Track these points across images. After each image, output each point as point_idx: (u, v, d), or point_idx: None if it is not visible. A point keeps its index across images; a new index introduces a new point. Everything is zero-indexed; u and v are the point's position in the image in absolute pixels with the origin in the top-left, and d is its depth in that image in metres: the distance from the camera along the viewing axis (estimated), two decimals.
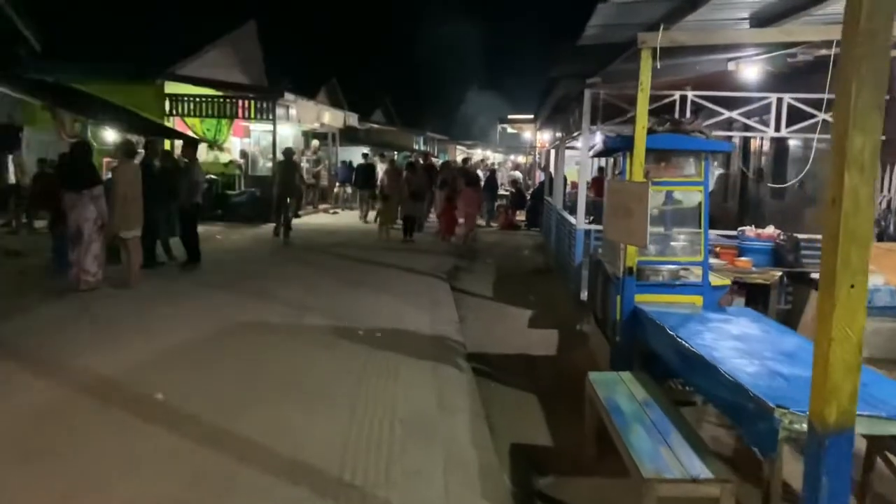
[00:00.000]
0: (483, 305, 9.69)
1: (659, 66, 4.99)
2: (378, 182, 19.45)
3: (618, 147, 5.62)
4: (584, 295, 9.39)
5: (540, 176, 25.01)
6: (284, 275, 10.51)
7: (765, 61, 7.92)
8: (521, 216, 21.39)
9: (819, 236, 8.97)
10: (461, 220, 15.93)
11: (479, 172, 24.26)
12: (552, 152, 17.22)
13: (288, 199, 14.91)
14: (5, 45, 15.98)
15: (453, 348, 6.96)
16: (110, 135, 15.54)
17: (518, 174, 26.61)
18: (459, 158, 31.95)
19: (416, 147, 35.38)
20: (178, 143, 18.74)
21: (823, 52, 7.63)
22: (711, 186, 5.71)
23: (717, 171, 6.15)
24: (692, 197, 6.05)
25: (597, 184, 19.98)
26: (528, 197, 21.87)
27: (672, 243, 5.99)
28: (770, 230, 8.52)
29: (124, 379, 5.50)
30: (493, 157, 44.01)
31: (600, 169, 20.57)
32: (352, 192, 22.49)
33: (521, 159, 42.67)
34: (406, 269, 11.38)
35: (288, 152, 15.72)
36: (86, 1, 22.36)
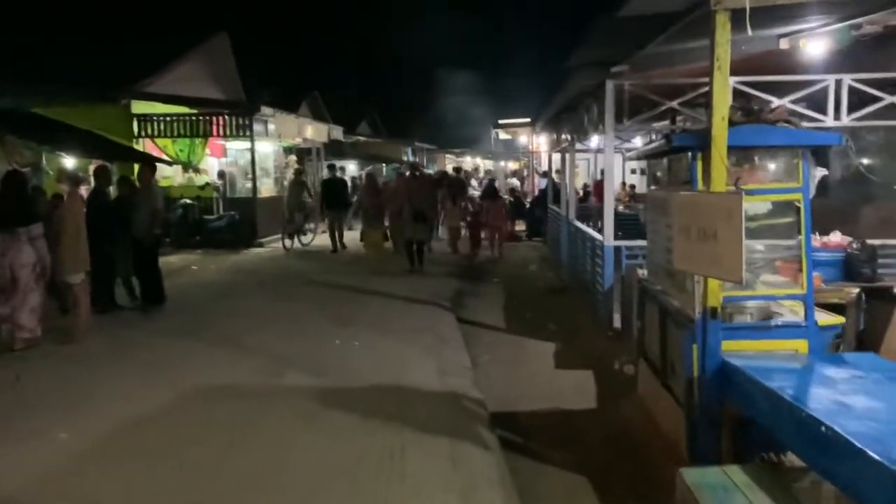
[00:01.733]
0: (497, 340, 8.25)
1: (750, 33, 3.59)
2: (353, 200, 17.30)
3: (687, 145, 4.20)
4: (616, 321, 8.00)
5: (538, 183, 23.65)
6: (263, 313, 9.03)
7: (827, 35, 6.54)
8: (520, 226, 19.97)
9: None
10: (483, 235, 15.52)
11: (474, 182, 22.90)
12: (556, 157, 15.84)
13: (296, 215, 16.11)
14: None
15: (471, 410, 5.51)
16: (69, 162, 14.07)
17: (516, 181, 25.21)
18: (450, 167, 30.52)
19: (404, 158, 33.92)
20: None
21: None
22: (812, 192, 4.29)
23: (818, 173, 4.89)
24: (770, 207, 4.67)
25: (600, 188, 18.70)
26: (528, 205, 20.45)
27: (757, 270, 4.59)
28: (838, 237, 7.16)
29: (25, 491, 4.02)
30: (483, 164, 42.62)
31: (603, 171, 19.20)
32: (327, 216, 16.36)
33: (511, 165, 41.27)
34: (403, 298, 9.92)
35: (296, 172, 17.37)
36: (41, 19, 20.91)
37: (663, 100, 7.57)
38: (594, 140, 13.06)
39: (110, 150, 14.33)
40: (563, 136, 12.65)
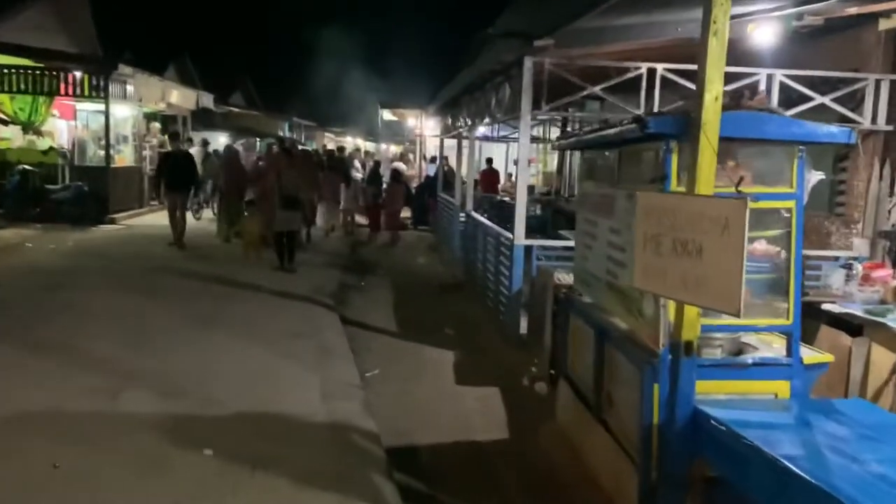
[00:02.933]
0: (388, 346, 7.22)
1: None
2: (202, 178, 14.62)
3: (665, 132, 3.28)
4: (523, 327, 7.15)
5: (426, 168, 22.76)
6: (107, 310, 7.48)
7: (774, 21, 5.92)
8: (405, 213, 18.99)
9: (823, 252, 7.18)
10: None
11: (357, 163, 21.61)
12: (452, 142, 14.88)
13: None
14: None
15: (363, 448, 4.43)
16: None
17: (402, 166, 24.07)
18: (331, 146, 28.96)
19: (281, 133, 31.93)
20: None
21: (854, 10, 5.73)
22: (805, 199, 3.53)
23: (813, 177, 4.16)
24: None
25: (486, 178, 18.00)
26: (414, 192, 19.48)
27: None
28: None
29: None
30: (365, 145, 41.16)
31: (489, 160, 18.53)
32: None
33: (394, 149, 40.04)
34: (278, 292, 8.64)
35: (204, 142, 16.05)
36: None
37: (585, 83, 6.76)
38: (481, 129, 12.18)
39: None
40: (462, 121, 11.70)
